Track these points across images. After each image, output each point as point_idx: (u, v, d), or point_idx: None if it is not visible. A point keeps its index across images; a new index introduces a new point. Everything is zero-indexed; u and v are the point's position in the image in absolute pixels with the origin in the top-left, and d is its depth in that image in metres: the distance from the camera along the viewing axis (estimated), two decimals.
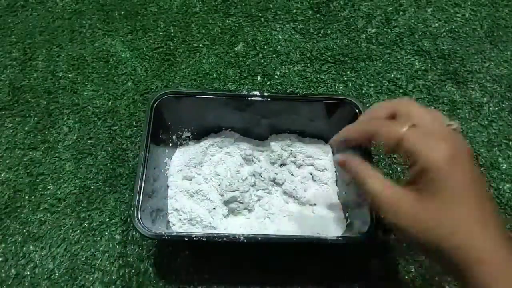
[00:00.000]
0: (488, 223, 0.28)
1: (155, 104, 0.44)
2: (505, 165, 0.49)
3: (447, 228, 0.28)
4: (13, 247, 0.45)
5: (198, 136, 0.49)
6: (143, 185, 0.40)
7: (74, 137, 0.51)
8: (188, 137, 0.49)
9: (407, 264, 0.44)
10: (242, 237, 0.37)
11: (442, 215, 0.28)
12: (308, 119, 0.47)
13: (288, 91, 0.53)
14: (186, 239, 0.37)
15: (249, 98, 0.45)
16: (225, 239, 0.37)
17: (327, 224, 0.44)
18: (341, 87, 0.54)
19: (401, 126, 0.30)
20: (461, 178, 0.28)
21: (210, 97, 0.45)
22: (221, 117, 0.47)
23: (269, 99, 0.45)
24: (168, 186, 0.46)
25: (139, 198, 0.39)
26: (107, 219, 0.46)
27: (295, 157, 0.48)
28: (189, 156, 0.47)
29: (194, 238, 0.37)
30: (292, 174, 0.47)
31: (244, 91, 0.45)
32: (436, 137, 0.29)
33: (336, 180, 0.47)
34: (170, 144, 0.48)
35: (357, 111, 0.44)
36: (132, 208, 0.38)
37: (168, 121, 0.46)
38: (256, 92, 0.45)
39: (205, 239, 0.37)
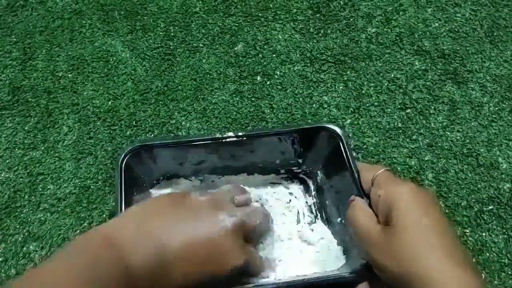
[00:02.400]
0: (448, 254, 0.30)
1: (125, 161, 0.42)
2: (505, 165, 0.49)
3: (406, 260, 0.30)
4: (13, 247, 0.45)
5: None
6: None
7: (74, 137, 0.51)
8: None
9: None
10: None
11: (402, 248, 0.31)
12: (289, 151, 0.46)
13: (261, 128, 0.51)
14: None
15: (223, 140, 0.43)
16: None
17: (326, 260, 0.43)
18: (341, 87, 0.54)
19: (375, 171, 0.38)
20: (421, 216, 0.32)
21: (183, 145, 0.44)
22: (196, 162, 0.46)
23: (244, 138, 0.43)
24: None
25: None
26: (107, 219, 0.46)
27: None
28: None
29: None
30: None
31: (218, 134, 0.44)
32: (400, 181, 0.36)
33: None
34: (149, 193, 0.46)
35: (338, 139, 0.43)
36: None
37: (141, 175, 0.45)
38: (231, 133, 0.43)
39: None
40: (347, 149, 0.42)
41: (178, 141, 0.44)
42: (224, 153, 0.45)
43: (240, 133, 0.44)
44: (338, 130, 0.43)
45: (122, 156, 0.42)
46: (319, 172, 0.47)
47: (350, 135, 0.50)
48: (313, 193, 0.47)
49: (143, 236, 0.32)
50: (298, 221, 0.46)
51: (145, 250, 0.31)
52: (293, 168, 0.48)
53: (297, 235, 0.45)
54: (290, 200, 0.47)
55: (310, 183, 0.48)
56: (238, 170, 0.47)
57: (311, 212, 0.47)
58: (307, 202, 0.47)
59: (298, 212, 0.46)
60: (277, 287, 0.37)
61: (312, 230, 0.45)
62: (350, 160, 0.42)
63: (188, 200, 0.36)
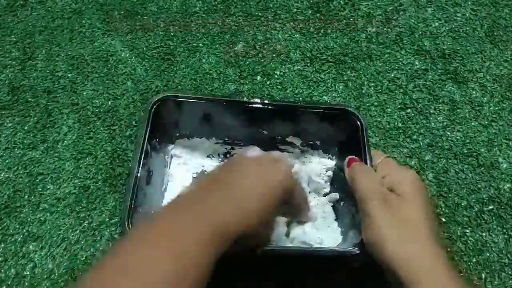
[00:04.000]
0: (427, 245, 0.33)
1: (154, 107, 0.43)
2: (505, 165, 0.49)
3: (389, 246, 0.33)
4: (13, 247, 0.45)
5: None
6: (136, 188, 0.39)
7: (74, 137, 0.51)
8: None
9: None
10: None
11: (394, 223, 0.35)
12: (308, 128, 0.47)
13: (289, 99, 0.53)
14: None
15: (250, 105, 0.44)
16: None
17: (322, 237, 0.44)
18: (341, 87, 0.54)
19: (378, 157, 0.42)
20: (417, 206, 0.35)
21: (211, 102, 0.44)
22: (222, 124, 0.47)
23: (269, 107, 0.44)
24: (165, 190, 0.45)
25: (130, 204, 0.38)
26: (107, 219, 0.46)
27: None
28: (191, 164, 0.47)
29: None
30: None
31: (245, 98, 0.45)
32: (403, 167, 0.41)
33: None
34: (168, 150, 0.47)
35: (358, 122, 0.43)
36: (124, 211, 0.38)
37: (167, 125, 0.46)
38: (257, 99, 0.44)
39: None
40: (365, 133, 0.43)
41: (205, 97, 0.45)
42: (246, 120, 0.46)
43: (266, 101, 0.44)
44: (358, 114, 0.44)
45: (154, 101, 0.43)
46: (334, 156, 0.48)
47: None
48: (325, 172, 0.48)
49: (230, 201, 0.33)
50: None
51: (235, 216, 0.32)
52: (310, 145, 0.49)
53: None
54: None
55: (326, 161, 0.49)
56: (258, 141, 0.48)
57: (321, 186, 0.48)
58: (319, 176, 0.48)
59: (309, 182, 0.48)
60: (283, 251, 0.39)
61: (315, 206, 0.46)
62: (366, 145, 0.42)
63: (253, 161, 0.38)
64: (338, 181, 0.47)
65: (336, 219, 0.45)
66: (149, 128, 0.42)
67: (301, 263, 0.43)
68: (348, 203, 0.44)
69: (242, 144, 0.49)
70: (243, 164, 0.37)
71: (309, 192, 0.47)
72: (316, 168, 0.48)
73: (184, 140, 0.49)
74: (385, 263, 0.33)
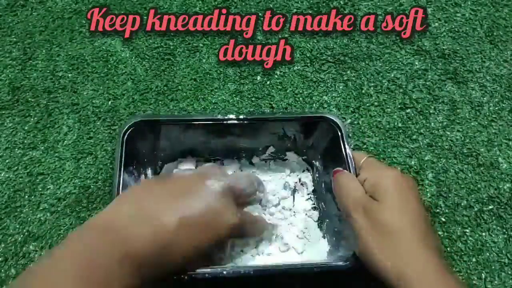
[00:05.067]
0: (421, 239, 0.33)
1: (127, 134, 0.42)
2: (505, 165, 0.49)
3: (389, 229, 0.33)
4: (13, 247, 0.45)
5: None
6: None
7: (74, 137, 0.51)
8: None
9: None
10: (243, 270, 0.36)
11: (384, 222, 0.34)
12: (287, 137, 0.47)
13: (264, 111, 0.52)
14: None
15: (226, 122, 0.44)
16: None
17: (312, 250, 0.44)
18: (341, 87, 0.54)
19: (360, 158, 0.41)
20: (399, 209, 0.35)
21: (185, 124, 0.44)
22: (197, 143, 0.47)
23: (245, 122, 0.44)
24: None
25: None
26: None
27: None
28: None
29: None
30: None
31: (219, 115, 0.44)
32: (384, 166, 0.41)
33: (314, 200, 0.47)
34: (148, 174, 0.47)
35: (337, 128, 0.43)
36: None
37: (142, 150, 0.45)
38: (232, 116, 0.44)
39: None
40: (344, 139, 0.43)
41: (181, 118, 0.45)
42: (224, 136, 0.46)
43: (241, 116, 0.44)
44: (337, 120, 0.44)
45: (125, 128, 0.42)
46: (317, 163, 0.48)
47: (349, 129, 0.50)
48: (311, 183, 0.49)
49: (140, 219, 0.32)
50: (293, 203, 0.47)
51: (144, 231, 0.31)
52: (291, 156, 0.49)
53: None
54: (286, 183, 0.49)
55: (309, 174, 0.49)
56: (238, 154, 0.49)
57: (308, 199, 0.48)
58: (306, 189, 0.48)
59: (294, 196, 0.48)
60: (264, 270, 0.37)
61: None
62: (347, 149, 0.42)
63: (175, 176, 0.38)
64: (320, 193, 0.47)
65: (323, 235, 0.45)
66: (123, 157, 0.41)
67: (289, 279, 0.43)
68: (331, 218, 0.44)
69: (221, 159, 0.49)
70: (165, 182, 0.36)
71: (277, 205, 0.47)
72: (290, 180, 0.49)
73: (170, 164, 0.48)
74: (378, 276, 0.33)
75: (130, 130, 0.43)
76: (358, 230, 0.35)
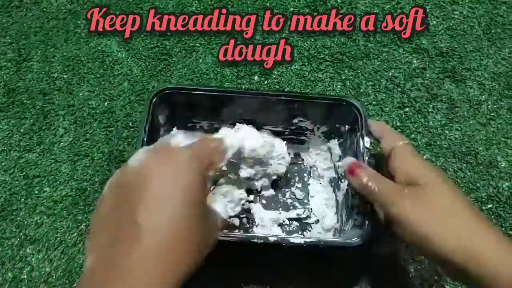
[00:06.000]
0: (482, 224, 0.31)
1: (154, 99, 0.42)
2: (503, 163, 0.49)
3: (436, 226, 0.32)
4: (10, 250, 0.44)
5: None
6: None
7: (70, 139, 0.50)
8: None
9: (407, 264, 0.44)
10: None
11: (437, 216, 0.32)
12: (313, 119, 0.47)
13: (295, 90, 0.53)
14: None
15: (264, 97, 0.43)
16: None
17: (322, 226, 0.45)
18: (339, 86, 0.54)
19: (396, 141, 0.38)
20: (450, 191, 0.33)
21: (218, 94, 0.43)
22: (230, 114, 0.46)
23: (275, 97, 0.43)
24: None
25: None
26: None
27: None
28: None
29: None
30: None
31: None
32: (424, 161, 0.36)
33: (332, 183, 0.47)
34: None
35: (358, 113, 0.42)
36: None
37: (167, 118, 0.45)
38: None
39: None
40: (364, 122, 0.42)
41: (210, 88, 0.44)
42: (248, 108, 0.45)
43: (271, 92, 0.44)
44: (358, 104, 0.43)
45: (154, 93, 0.42)
46: (336, 146, 0.47)
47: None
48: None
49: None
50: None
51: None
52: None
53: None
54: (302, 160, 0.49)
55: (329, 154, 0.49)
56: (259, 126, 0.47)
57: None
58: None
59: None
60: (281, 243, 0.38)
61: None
62: (364, 133, 0.41)
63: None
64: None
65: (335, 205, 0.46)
66: (149, 119, 0.41)
67: (301, 252, 0.44)
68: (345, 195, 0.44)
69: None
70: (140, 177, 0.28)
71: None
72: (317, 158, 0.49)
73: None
74: (443, 260, 0.31)
75: (157, 97, 0.42)
76: (404, 219, 0.33)
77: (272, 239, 0.37)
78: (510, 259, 0.29)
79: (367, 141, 0.41)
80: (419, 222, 0.32)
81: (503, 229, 0.46)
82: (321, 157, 0.49)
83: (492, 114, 0.52)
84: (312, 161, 0.49)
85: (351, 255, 0.44)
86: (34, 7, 0.59)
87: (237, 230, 0.44)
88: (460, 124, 0.51)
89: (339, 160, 0.46)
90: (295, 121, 0.46)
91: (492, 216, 0.46)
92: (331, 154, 0.48)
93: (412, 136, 0.51)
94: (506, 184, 0.48)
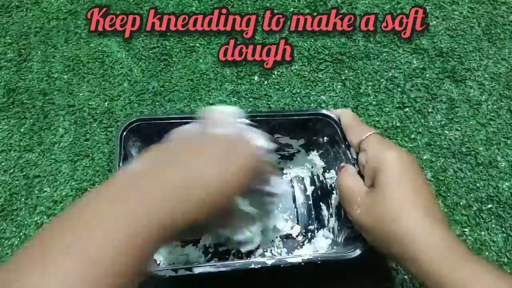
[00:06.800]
0: (429, 214, 0.32)
1: (124, 133, 0.41)
2: (503, 163, 0.49)
3: (389, 220, 0.32)
4: (10, 251, 0.44)
5: None
6: None
7: (70, 139, 0.50)
8: None
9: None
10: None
11: (385, 208, 0.32)
12: (291, 135, 0.46)
13: (262, 110, 0.51)
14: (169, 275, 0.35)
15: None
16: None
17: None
18: (339, 86, 0.54)
19: (363, 133, 0.38)
20: (404, 178, 0.33)
21: (178, 121, 0.41)
22: None
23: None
24: None
25: None
26: None
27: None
28: None
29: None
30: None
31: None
32: (386, 145, 0.36)
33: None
34: None
35: (335, 125, 0.42)
36: None
37: (141, 150, 0.44)
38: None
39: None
40: (342, 134, 0.41)
41: (178, 116, 0.42)
42: None
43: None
44: (334, 116, 0.42)
45: (122, 128, 0.41)
46: (317, 158, 0.47)
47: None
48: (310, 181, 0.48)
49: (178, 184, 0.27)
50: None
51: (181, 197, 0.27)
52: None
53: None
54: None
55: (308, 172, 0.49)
56: None
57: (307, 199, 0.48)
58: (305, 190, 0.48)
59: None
60: (276, 264, 0.37)
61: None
62: (346, 147, 0.41)
63: (213, 137, 0.33)
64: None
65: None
66: (121, 158, 0.40)
67: (299, 270, 0.43)
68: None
69: None
70: (204, 143, 0.31)
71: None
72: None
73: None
74: (379, 233, 0.33)
75: (127, 131, 0.41)
76: (354, 221, 0.35)
77: (269, 262, 0.36)
78: (431, 239, 0.30)
79: (353, 152, 0.40)
80: (369, 229, 0.34)
81: (503, 229, 0.46)
82: (304, 171, 0.49)
83: (492, 114, 0.52)
84: (295, 174, 0.49)
85: (351, 266, 0.44)
86: (34, 7, 0.59)
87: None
88: (460, 124, 0.51)
89: (323, 172, 0.46)
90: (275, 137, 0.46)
91: (492, 217, 0.46)
92: (312, 166, 0.48)
93: (412, 136, 0.51)
94: (506, 184, 0.48)
